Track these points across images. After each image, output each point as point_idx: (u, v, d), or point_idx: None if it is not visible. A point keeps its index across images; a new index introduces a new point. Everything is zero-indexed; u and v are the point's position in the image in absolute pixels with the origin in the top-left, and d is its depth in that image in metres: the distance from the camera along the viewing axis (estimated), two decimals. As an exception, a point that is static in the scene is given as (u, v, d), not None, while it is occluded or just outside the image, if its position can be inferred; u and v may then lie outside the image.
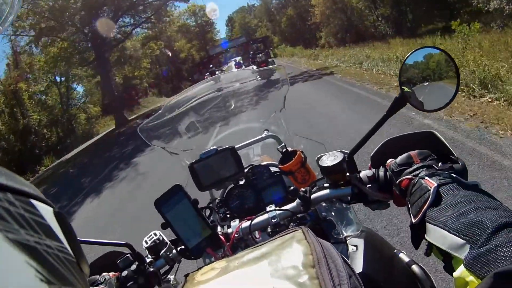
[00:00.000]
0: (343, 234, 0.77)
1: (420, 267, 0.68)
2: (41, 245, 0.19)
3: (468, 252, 0.36)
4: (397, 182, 0.56)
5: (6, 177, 0.20)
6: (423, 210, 0.46)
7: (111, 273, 0.71)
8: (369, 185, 0.62)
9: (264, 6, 41.55)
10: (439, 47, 0.58)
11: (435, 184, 0.47)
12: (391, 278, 0.68)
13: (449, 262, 0.42)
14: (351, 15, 25.42)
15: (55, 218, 0.23)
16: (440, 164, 0.54)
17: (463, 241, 0.38)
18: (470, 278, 0.35)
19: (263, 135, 1.17)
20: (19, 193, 0.20)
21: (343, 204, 0.85)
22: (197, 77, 31.68)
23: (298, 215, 0.74)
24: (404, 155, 0.57)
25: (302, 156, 0.86)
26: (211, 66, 26.70)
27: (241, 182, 0.91)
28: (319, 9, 24.82)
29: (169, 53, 30.52)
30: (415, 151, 0.57)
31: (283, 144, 0.93)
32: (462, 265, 0.37)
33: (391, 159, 0.61)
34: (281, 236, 0.46)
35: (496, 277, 0.31)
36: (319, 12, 25.00)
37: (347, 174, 0.66)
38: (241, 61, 30.59)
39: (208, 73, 25.28)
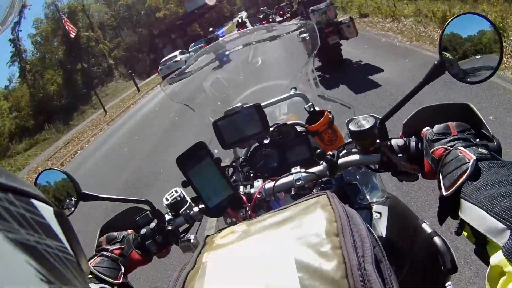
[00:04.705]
0: (367, 200, 0.77)
1: (442, 239, 0.69)
2: (41, 244, 0.19)
3: (509, 239, 0.33)
4: (431, 151, 0.53)
5: (7, 177, 0.20)
6: (458, 182, 0.44)
7: (129, 230, 0.72)
8: (400, 155, 0.61)
9: None
10: (483, 15, 0.53)
11: (474, 158, 0.44)
12: (412, 247, 0.70)
13: (482, 246, 0.38)
14: None
15: (55, 217, 0.23)
16: (477, 140, 0.51)
17: (504, 226, 0.34)
18: (509, 268, 0.32)
19: (290, 93, 1.13)
20: (19, 193, 0.20)
21: None
22: (167, 54, 20.55)
23: (323, 179, 0.73)
24: (442, 124, 0.55)
25: (330, 116, 0.84)
26: (210, 29, 17.91)
27: (266, 141, 0.91)
28: None
29: (67, 25, 17.52)
30: (454, 122, 0.55)
31: (311, 103, 0.89)
32: (500, 252, 0.33)
33: (427, 128, 0.58)
34: (305, 200, 0.45)
35: None
36: None
37: (378, 141, 0.64)
38: (247, 19, 19.52)
39: (200, 42, 15.30)
